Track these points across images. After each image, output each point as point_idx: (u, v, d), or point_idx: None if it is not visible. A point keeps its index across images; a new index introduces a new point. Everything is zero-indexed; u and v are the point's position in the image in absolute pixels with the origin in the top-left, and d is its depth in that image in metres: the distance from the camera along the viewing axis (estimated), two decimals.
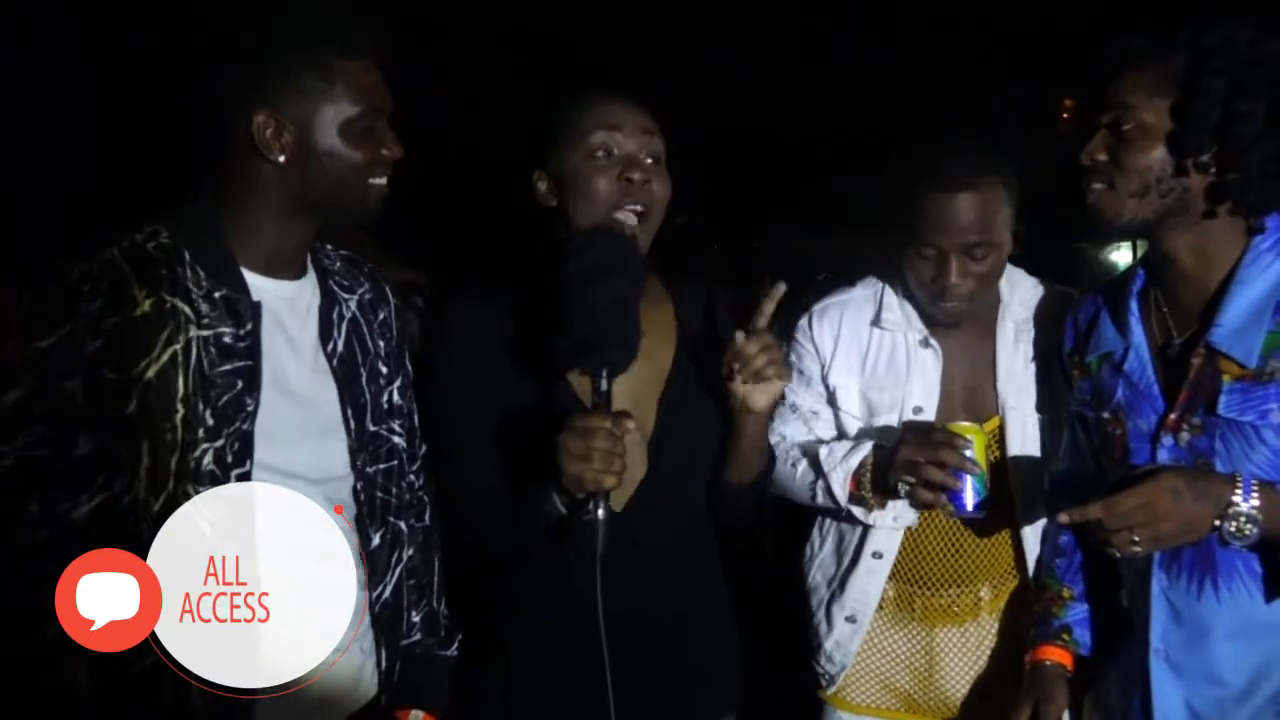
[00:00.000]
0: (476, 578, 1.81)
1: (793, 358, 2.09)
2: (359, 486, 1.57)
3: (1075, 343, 1.77)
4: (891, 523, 1.94)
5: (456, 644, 1.75)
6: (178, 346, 1.37)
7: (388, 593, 1.61)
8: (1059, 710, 1.71)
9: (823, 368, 2.06)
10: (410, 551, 1.68)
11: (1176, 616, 1.54)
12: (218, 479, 1.38)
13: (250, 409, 1.42)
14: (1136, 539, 1.43)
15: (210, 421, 1.38)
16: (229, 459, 1.39)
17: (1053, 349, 1.89)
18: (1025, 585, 1.95)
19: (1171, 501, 1.41)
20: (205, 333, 1.40)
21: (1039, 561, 1.93)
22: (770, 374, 1.61)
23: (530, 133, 1.75)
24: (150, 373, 1.35)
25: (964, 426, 1.79)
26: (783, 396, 2.02)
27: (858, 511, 1.93)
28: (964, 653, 1.97)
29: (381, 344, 1.66)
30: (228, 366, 1.41)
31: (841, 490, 1.92)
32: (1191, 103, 1.45)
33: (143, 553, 1.33)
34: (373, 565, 1.58)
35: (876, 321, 2.03)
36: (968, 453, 1.73)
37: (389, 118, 1.53)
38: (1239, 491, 1.40)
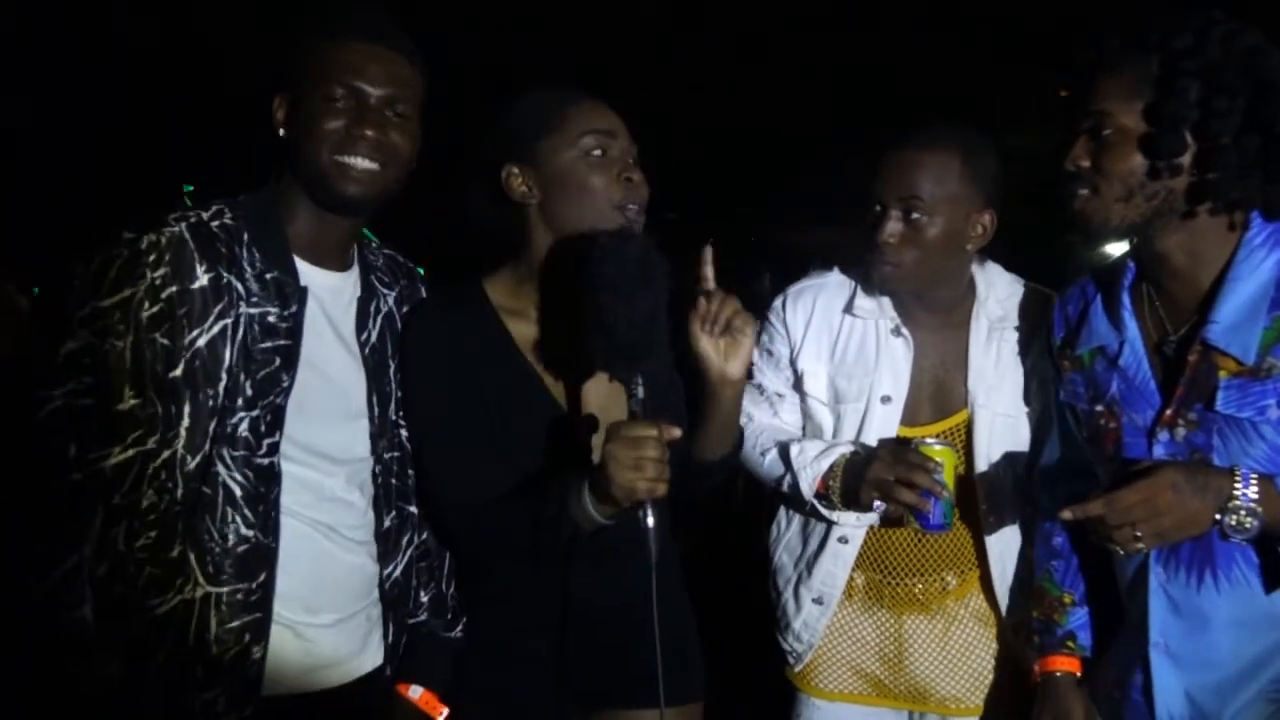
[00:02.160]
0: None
1: (764, 338, 2.09)
2: (377, 470, 1.65)
3: (1065, 334, 1.76)
4: (854, 520, 1.96)
5: (460, 627, 1.79)
6: (228, 321, 1.47)
7: (398, 572, 1.69)
8: None
9: (792, 350, 2.07)
10: (424, 535, 1.74)
11: (1175, 609, 1.54)
12: (250, 445, 1.48)
13: (285, 385, 1.51)
14: (1139, 534, 1.42)
15: (249, 392, 1.48)
16: (262, 428, 1.49)
17: (1037, 344, 1.89)
18: (988, 573, 1.98)
19: (1172, 496, 1.40)
20: (253, 310, 1.50)
21: (1028, 561, 1.94)
22: (738, 323, 1.62)
23: (505, 129, 1.72)
24: (201, 342, 1.46)
25: (936, 450, 1.80)
26: (750, 374, 2.04)
27: (822, 508, 1.96)
28: (932, 639, 1.99)
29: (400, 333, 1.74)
30: (269, 344, 1.51)
31: (809, 489, 1.94)
32: (1166, 105, 1.44)
33: (173, 505, 1.45)
34: (385, 545, 1.66)
35: (849, 308, 2.03)
36: (938, 476, 1.74)
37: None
38: (1238, 485, 1.40)
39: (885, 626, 2.00)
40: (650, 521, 1.47)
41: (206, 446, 1.46)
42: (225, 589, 1.46)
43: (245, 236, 1.53)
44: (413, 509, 1.72)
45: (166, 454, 1.45)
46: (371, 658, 1.66)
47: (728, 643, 1.97)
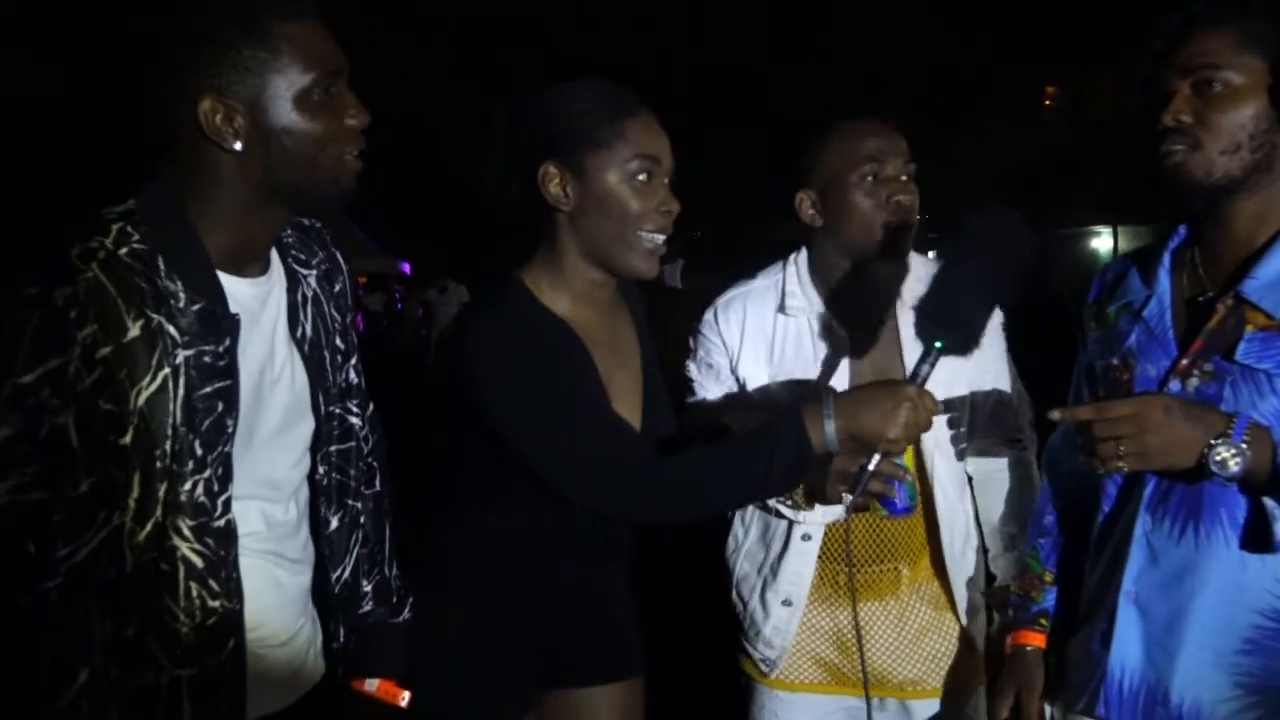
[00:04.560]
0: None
1: (700, 351, 2.10)
2: (321, 471, 1.53)
3: (1099, 296, 1.78)
4: (819, 516, 1.96)
5: (409, 608, 1.72)
6: (166, 371, 1.29)
7: (347, 572, 1.59)
8: (1039, 695, 1.75)
9: (731, 360, 2.06)
10: (362, 521, 1.63)
11: (1154, 559, 1.56)
12: (207, 510, 1.32)
13: (230, 430, 1.34)
14: (1123, 450, 1.44)
15: (199, 451, 1.31)
16: (215, 488, 1.33)
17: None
18: (940, 557, 2.00)
19: (1163, 416, 1.42)
20: (189, 352, 1.30)
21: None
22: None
23: (553, 125, 1.64)
24: (143, 400, 1.27)
25: None
26: (692, 391, 2.08)
27: (787, 510, 1.96)
28: (887, 625, 2.01)
29: (338, 317, 1.57)
30: (210, 389, 1.32)
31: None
32: None
33: (123, 581, 1.28)
34: (332, 549, 1.56)
35: (782, 308, 2.03)
36: (898, 460, 1.76)
37: (349, 81, 1.40)
38: (1233, 425, 1.43)
39: (842, 615, 2.02)
40: (871, 466, 1.53)
41: (159, 514, 1.29)
42: (192, 669, 1.33)
43: (160, 262, 1.30)
44: (357, 504, 1.61)
45: (114, 525, 1.28)
46: (315, 669, 1.56)
47: (685, 635, 1.98)
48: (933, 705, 2.02)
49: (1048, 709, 1.75)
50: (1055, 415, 1.50)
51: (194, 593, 1.32)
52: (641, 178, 1.62)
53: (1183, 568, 1.53)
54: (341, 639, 1.58)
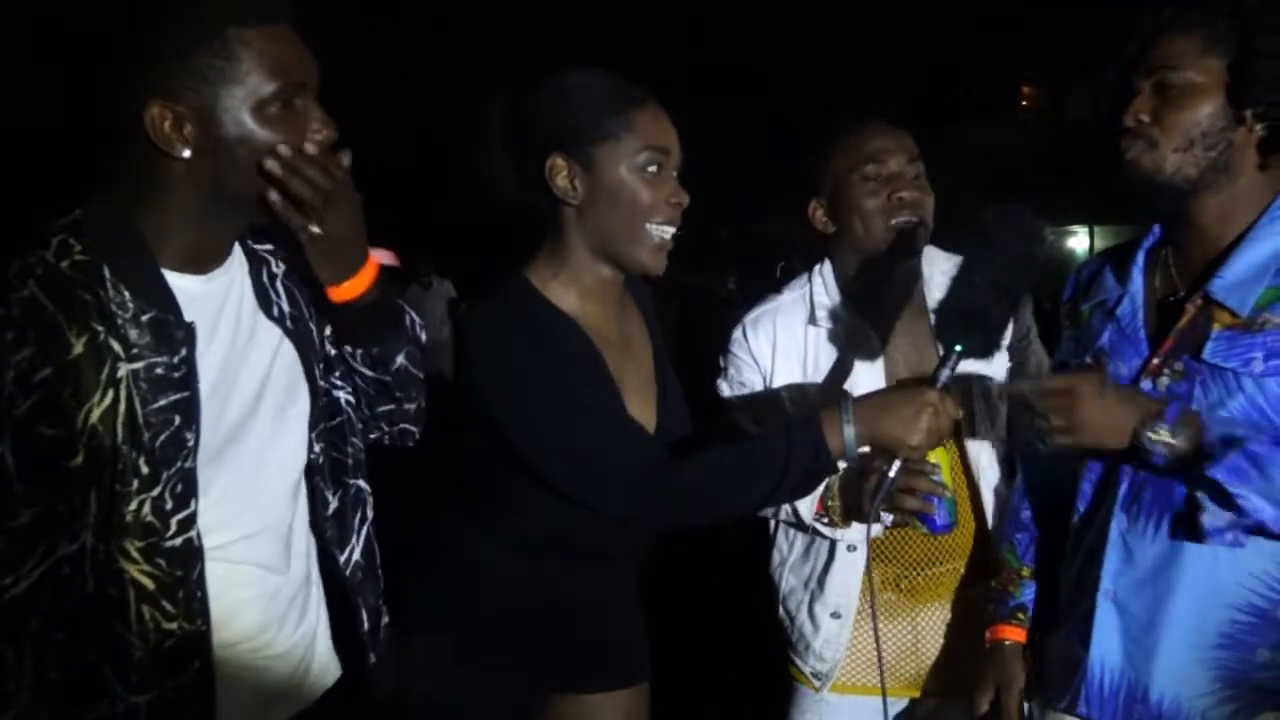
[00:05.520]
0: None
1: (731, 371, 2.08)
2: (317, 450, 1.46)
3: (1074, 293, 1.81)
4: (858, 535, 1.94)
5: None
6: (113, 388, 1.22)
7: (357, 554, 1.52)
8: (1018, 690, 1.77)
9: (765, 376, 2.05)
10: (370, 514, 1.56)
11: (1130, 558, 1.58)
12: (155, 530, 1.25)
13: (191, 444, 1.27)
14: (1057, 424, 1.51)
15: (145, 470, 1.23)
16: (168, 506, 1.25)
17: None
18: (987, 560, 1.98)
19: (1095, 392, 1.49)
20: (136, 365, 1.23)
21: (999, 534, 1.97)
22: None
23: (561, 116, 1.62)
24: (95, 417, 1.21)
25: (930, 453, 1.79)
26: (725, 408, 2.05)
27: (824, 528, 1.95)
28: (950, 625, 2.00)
29: (308, 290, 1.49)
30: (163, 401, 1.25)
31: (808, 514, 1.92)
32: (1250, 58, 1.51)
33: (84, 604, 1.22)
34: (336, 530, 1.50)
35: (812, 320, 2.03)
36: (937, 477, 1.74)
37: (319, 92, 1.33)
38: (1165, 409, 1.47)
39: (901, 617, 2.01)
40: (892, 473, 1.52)
41: (115, 535, 1.23)
42: (150, 694, 1.26)
43: (106, 272, 1.23)
44: (360, 483, 1.53)
45: (74, 548, 1.21)
46: (324, 672, 1.50)
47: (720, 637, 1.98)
48: None
49: (1026, 705, 1.77)
50: (997, 390, 1.57)
51: (146, 615, 1.25)
52: (652, 169, 1.60)
53: (1158, 566, 1.55)
54: (366, 624, 1.51)
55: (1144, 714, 1.55)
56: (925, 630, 2.01)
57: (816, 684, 2.03)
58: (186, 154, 1.25)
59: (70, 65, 1.40)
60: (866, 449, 1.52)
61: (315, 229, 1.33)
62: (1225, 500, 1.44)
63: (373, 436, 1.62)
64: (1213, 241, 1.59)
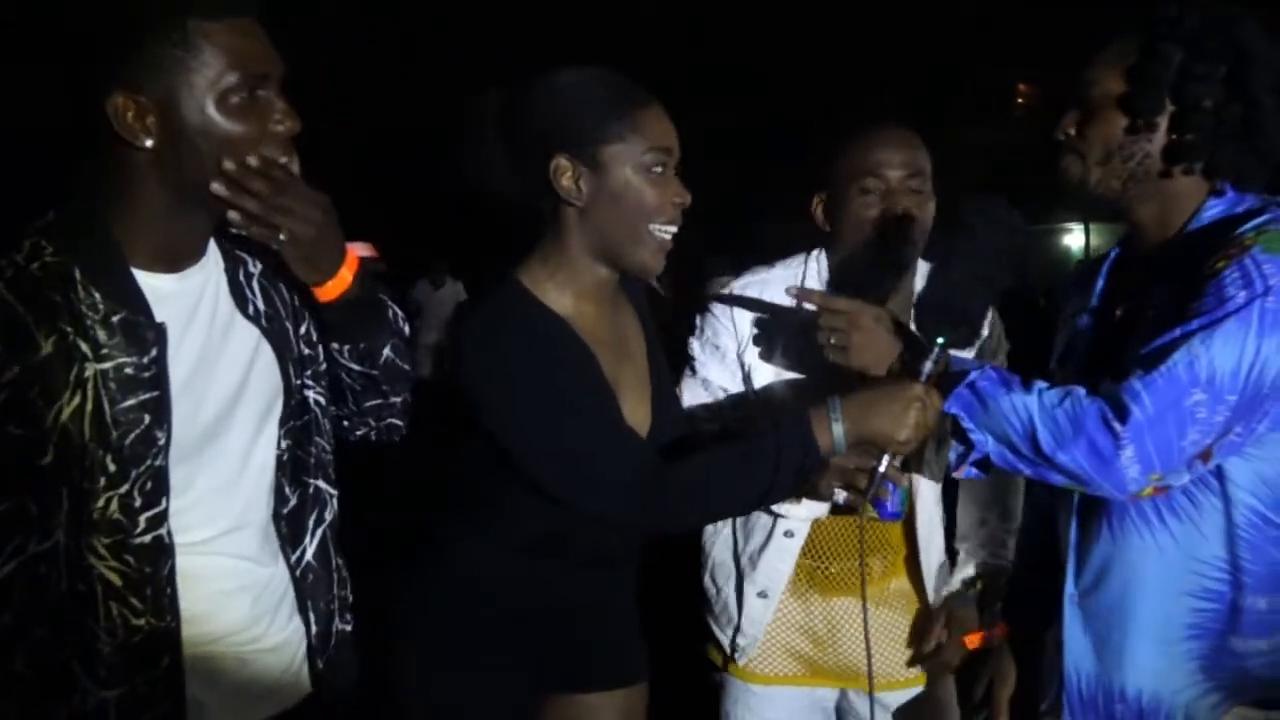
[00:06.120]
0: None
1: (708, 331, 2.08)
2: (283, 447, 1.46)
3: (1065, 299, 1.85)
4: (804, 514, 1.98)
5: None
6: (81, 387, 1.24)
7: (309, 555, 1.50)
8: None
9: (739, 345, 2.05)
10: (329, 516, 1.55)
11: (1086, 562, 1.61)
12: (124, 527, 1.26)
13: (163, 442, 1.29)
14: (833, 341, 1.65)
15: (112, 468, 1.25)
16: (137, 503, 1.27)
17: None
18: (914, 556, 2.04)
19: (870, 322, 1.64)
20: (104, 365, 1.25)
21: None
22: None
23: (565, 117, 1.61)
24: (65, 416, 1.23)
25: None
26: (693, 369, 2.06)
27: (774, 505, 1.96)
28: (858, 619, 1.99)
29: (285, 289, 1.50)
30: (132, 400, 1.27)
31: None
32: (1146, 67, 1.53)
33: (58, 602, 1.24)
34: (294, 527, 1.48)
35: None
36: (897, 463, 1.79)
37: (283, 85, 1.33)
38: (933, 351, 1.57)
39: (816, 608, 2.04)
40: (882, 467, 1.57)
41: (85, 532, 1.25)
42: (119, 689, 1.27)
43: (76, 274, 1.26)
44: (320, 483, 1.53)
45: (47, 545, 1.23)
46: (303, 677, 1.49)
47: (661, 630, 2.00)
48: (901, 696, 2.05)
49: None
50: (792, 292, 1.75)
51: (114, 612, 1.27)
52: (657, 170, 1.59)
53: (1105, 565, 1.58)
54: (315, 628, 1.49)
55: (1125, 713, 1.56)
56: (841, 622, 2.03)
57: (735, 656, 2.05)
58: (149, 143, 1.26)
59: (39, 59, 1.41)
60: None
61: (282, 236, 1.33)
62: (961, 435, 1.52)
63: (360, 433, 1.62)
64: (1155, 247, 1.60)
